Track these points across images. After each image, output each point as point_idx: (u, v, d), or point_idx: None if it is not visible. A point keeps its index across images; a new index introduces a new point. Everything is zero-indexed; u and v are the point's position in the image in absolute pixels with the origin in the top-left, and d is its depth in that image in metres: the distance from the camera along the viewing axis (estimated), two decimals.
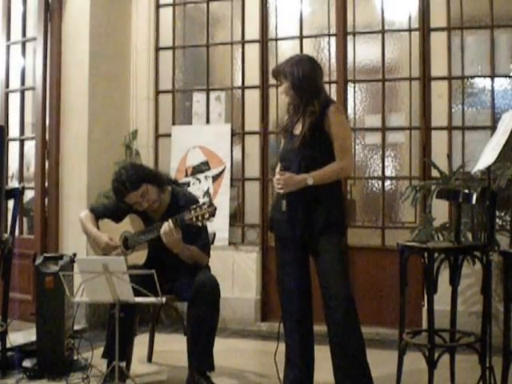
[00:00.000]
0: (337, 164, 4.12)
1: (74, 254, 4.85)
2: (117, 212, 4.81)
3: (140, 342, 5.03)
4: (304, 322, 4.26)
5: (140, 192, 4.59)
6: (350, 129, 4.76)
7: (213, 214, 4.35)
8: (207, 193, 4.66)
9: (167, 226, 4.40)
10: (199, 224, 4.36)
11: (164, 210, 4.76)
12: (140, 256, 4.64)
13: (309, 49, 6.66)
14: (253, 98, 6.74)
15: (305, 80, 4.18)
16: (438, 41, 6.19)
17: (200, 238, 4.66)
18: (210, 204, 4.35)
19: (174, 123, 7.08)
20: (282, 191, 4.07)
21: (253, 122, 6.74)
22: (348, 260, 4.37)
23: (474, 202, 4.29)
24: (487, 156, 3.94)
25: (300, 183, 4.04)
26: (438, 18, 6.19)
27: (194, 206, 4.35)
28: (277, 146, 6.46)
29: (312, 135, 4.09)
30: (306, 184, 4.03)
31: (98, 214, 4.89)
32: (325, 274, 4.09)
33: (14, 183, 6.72)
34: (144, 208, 4.67)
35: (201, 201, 4.70)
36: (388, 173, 6.47)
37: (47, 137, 6.50)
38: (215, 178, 6.72)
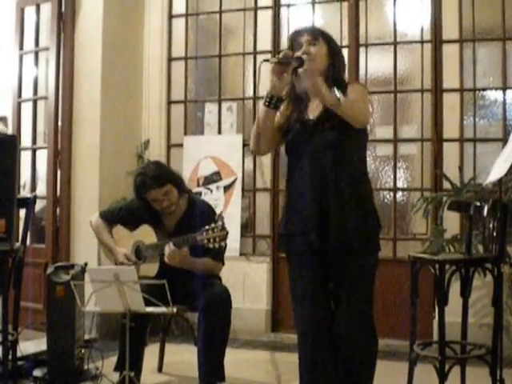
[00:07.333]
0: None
1: (86, 264, 4.85)
2: (129, 218, 4.82)
3: (150, 352, 5.03)
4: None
5: (163, 190, 4.60)
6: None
7: (224, 238, 4.33)
8: (220, 216, 4.65)
9: (168, 249, 4.41)
10: (210, 246, 4.33)
11: (179, 216, 4.77)
12: (151, 268, 4.64)
13: None
14: None
15: (340, 51, 3.72)
16: (449, 53, 6.19)
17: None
18: (223, 228, 4.33)
19: (185, 133, 7.10)
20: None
21: None
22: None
23: (485, 214, 4.28)
24: (499, 168, 3.94)
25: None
26: (450, 30, 6.19)
27: (208, 228, 4.31)
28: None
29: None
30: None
31: (113, 220, 4.89)
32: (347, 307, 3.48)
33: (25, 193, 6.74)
34: (162, 207, 4.67)
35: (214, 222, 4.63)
36: (399, 184, 6.46)
37: (59, 146, 6.53)
38: (227, 188, 6.74)
